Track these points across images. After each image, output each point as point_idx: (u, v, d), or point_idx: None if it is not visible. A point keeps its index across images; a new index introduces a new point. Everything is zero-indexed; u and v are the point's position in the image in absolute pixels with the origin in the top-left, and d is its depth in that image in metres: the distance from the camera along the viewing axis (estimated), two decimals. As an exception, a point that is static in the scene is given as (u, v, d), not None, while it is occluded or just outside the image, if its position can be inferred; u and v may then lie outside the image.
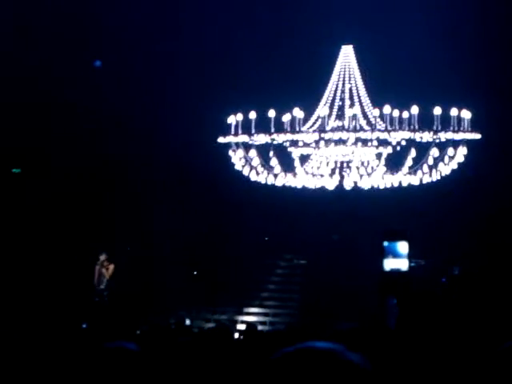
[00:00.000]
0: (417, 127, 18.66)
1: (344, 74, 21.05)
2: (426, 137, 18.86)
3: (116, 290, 22.17)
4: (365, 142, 19.80)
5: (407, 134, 18.88)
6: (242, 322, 21.14)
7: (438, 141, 19.16)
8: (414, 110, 18.47)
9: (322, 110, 19.96)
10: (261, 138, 19.46)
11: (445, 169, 19.68)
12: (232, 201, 23.76)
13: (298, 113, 18.84)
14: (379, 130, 19.02)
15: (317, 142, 19.91)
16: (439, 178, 20.04)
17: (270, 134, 19.27)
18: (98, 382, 2.62)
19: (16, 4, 22.43)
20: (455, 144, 19.39)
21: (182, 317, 17.90)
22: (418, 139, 19.02)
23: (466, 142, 19.43)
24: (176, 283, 22.36)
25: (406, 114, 18.63)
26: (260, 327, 21.19)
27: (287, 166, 20.65)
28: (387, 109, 18.69)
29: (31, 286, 20.92)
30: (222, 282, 23.23)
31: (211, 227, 24.10)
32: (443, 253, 22.01)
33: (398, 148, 19.77)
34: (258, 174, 20.32)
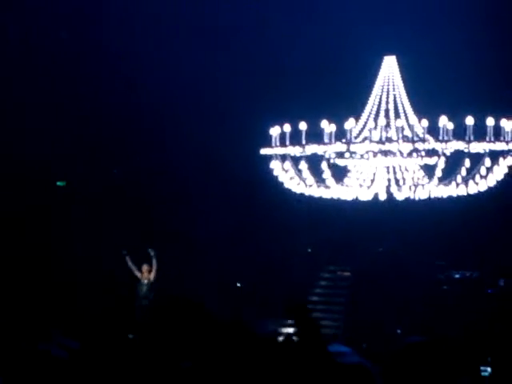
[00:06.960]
0: (470, 138, 18.33)
1: (388, 86, 20.85)
2: (478, 148, 18.52)
3: (157, 300, 22.18)
4: (415, 152, 19.60)
5: (460, 145, 18.52)
6: (285, 333, 21.07)
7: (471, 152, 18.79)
8: (470, 120, 18.08)
9: (368, 121, 19.84)
10: (311, 149, 19.23)
11: (491, 180, 19.40)
12: (273, 212, 23.72)
13: (350, 124, 18.68)
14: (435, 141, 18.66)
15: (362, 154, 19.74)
16: (486, 188, 19.73)
17: (320, 144, 19.00)
18: None
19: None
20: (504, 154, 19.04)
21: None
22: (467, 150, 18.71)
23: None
24: (218, 294, 22.34)
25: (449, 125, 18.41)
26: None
27: (336, 177, 20.43)
28: (443, 120, 18.32)
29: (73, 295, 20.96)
30: (265, 293, 23.14)
31: (252, 238, 24.06)
32: (488, 264, 21.77)
33: (444, 159, 19.50)
34: (305, 185, 20.15)
